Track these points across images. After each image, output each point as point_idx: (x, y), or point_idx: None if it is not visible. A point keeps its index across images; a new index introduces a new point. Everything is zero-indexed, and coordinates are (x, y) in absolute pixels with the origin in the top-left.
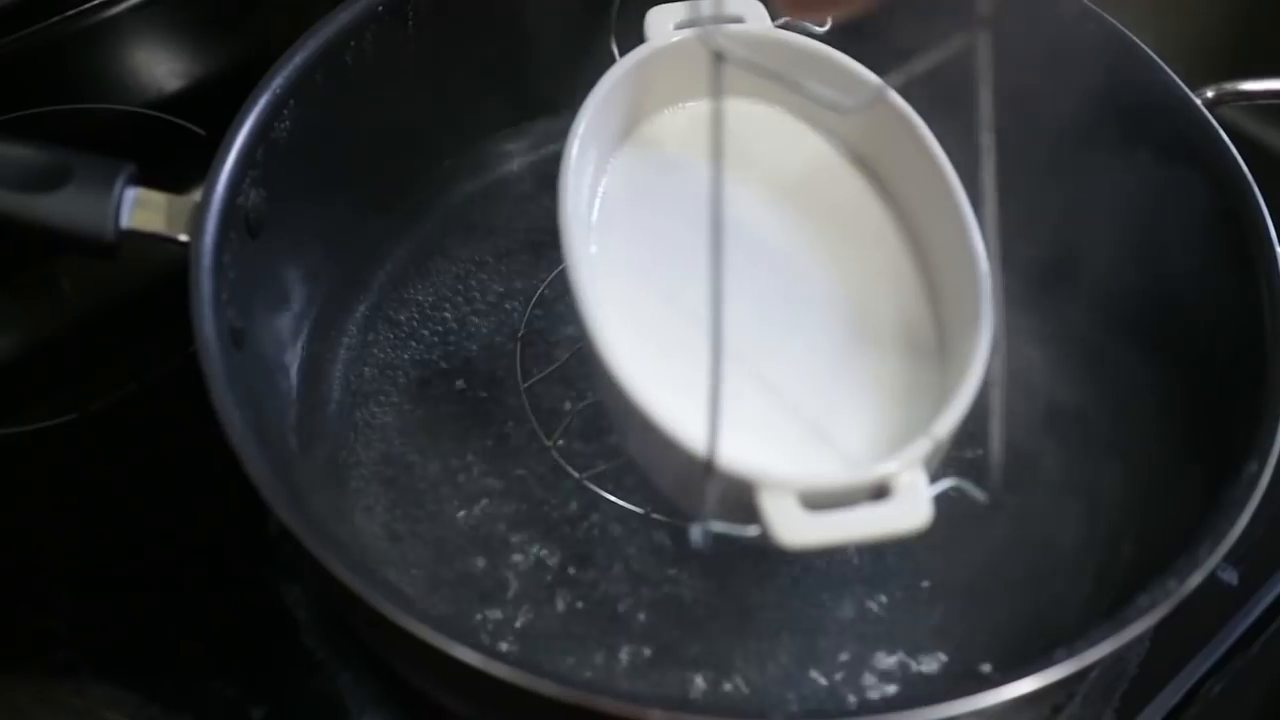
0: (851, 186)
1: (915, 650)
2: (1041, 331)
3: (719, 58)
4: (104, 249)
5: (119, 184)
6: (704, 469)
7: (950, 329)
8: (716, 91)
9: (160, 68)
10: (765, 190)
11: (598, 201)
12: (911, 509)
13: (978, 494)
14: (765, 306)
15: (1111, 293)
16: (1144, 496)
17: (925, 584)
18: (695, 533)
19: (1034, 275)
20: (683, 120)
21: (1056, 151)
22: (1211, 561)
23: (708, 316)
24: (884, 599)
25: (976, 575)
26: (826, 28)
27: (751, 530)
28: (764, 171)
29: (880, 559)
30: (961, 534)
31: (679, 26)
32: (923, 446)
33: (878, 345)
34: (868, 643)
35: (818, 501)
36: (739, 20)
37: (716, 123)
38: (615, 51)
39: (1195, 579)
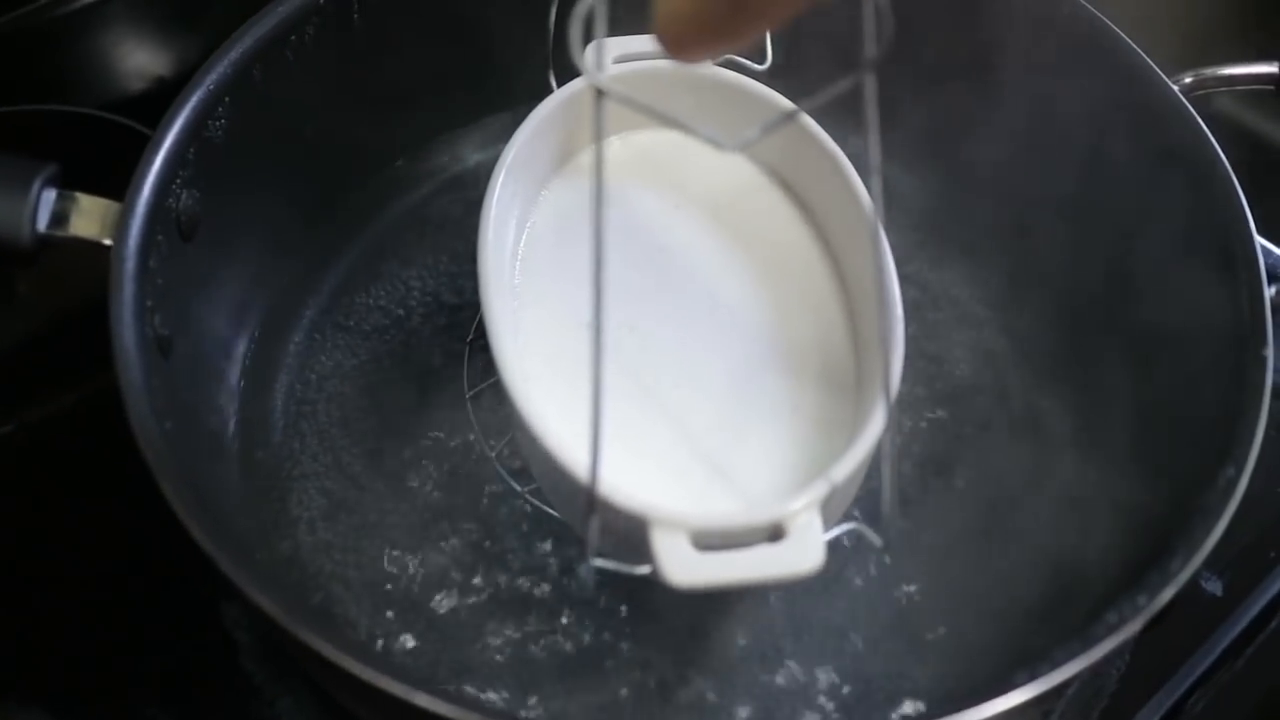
0: (779, 215)
1: (885, 664)
2: (1013, 331)
3: (600, 93)
4: (22, 254)
5: (36, 186)
6: (591, 502)
7: (866, 364)
8: (599, 130)
9: (119, 68)
10: (692, 218)
11: (525, 231)
12: (805, 551)
13: (873, 538)
14: (685, 337)
15: (1085, 290)
16: (1120, 505)
17: (898, 598)
18: (582, 570)
19: (1005, 272)
20: (617, 151)
21: (1028, 140)
22: (1184, 574)
23: (621, 348)
24: (861, 619)
25: (950, 590)
26: (767, 65)
27: (642, 569)
28: (692, 199)
29: (850, 577)
30: (933, 548)
31: (617, 60)
32: (819, 489)
33: (797, 376)
34: (836, 665)
35: (710, 541)
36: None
37: (598, 164)
38: (552, 81)
39: (1167, 594)
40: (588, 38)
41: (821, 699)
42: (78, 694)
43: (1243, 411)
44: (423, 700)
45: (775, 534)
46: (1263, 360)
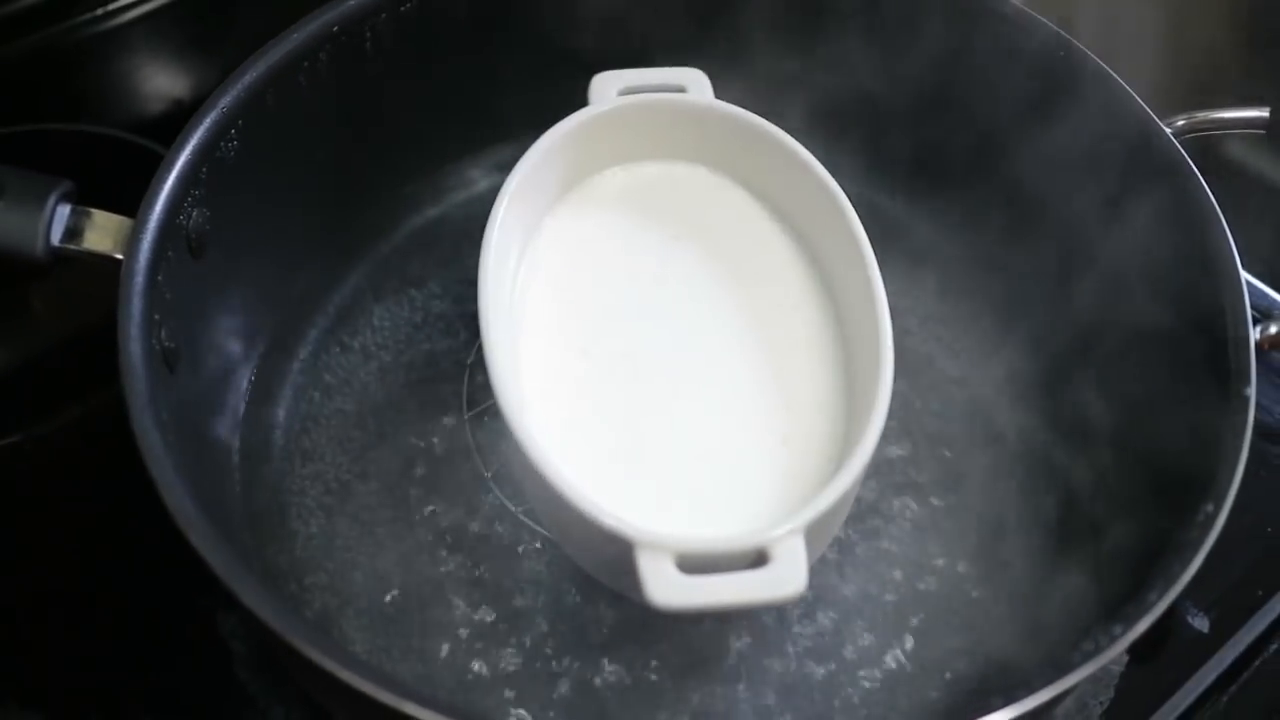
0: (777, 248)
1: (867, 694)
2: (995, 365)
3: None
4: (35, 266)
5: (51, 201)
6: (583, 524)
7: (856, 397)
8: None
9: (138, 90)
10: (692, 249)
11: (526, 258)
12: (788, 578)
13: None
14: (679, 365)
15: (1068, 324)
16: (1102, 538)
17: (867, 630)
18: None
19: (989, 307)
20: (621, 181)
21: (1023, 182)
22: (1160, 606)
23: (616, 375)
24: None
25: (927, 619)
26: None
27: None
28: (692, 230)
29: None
30: (910, 578)
31: (622, 93)
32: (803, 517)
33: (788, 407)
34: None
35: (695, 564)
36: (681, 89)
37: None
38: None
39: (1143, 624)
40: None
41: None
42: (74, 698)
43: (1222, 449)
44: (410, 708)
45: (759, 559)
46: (1245, 399)
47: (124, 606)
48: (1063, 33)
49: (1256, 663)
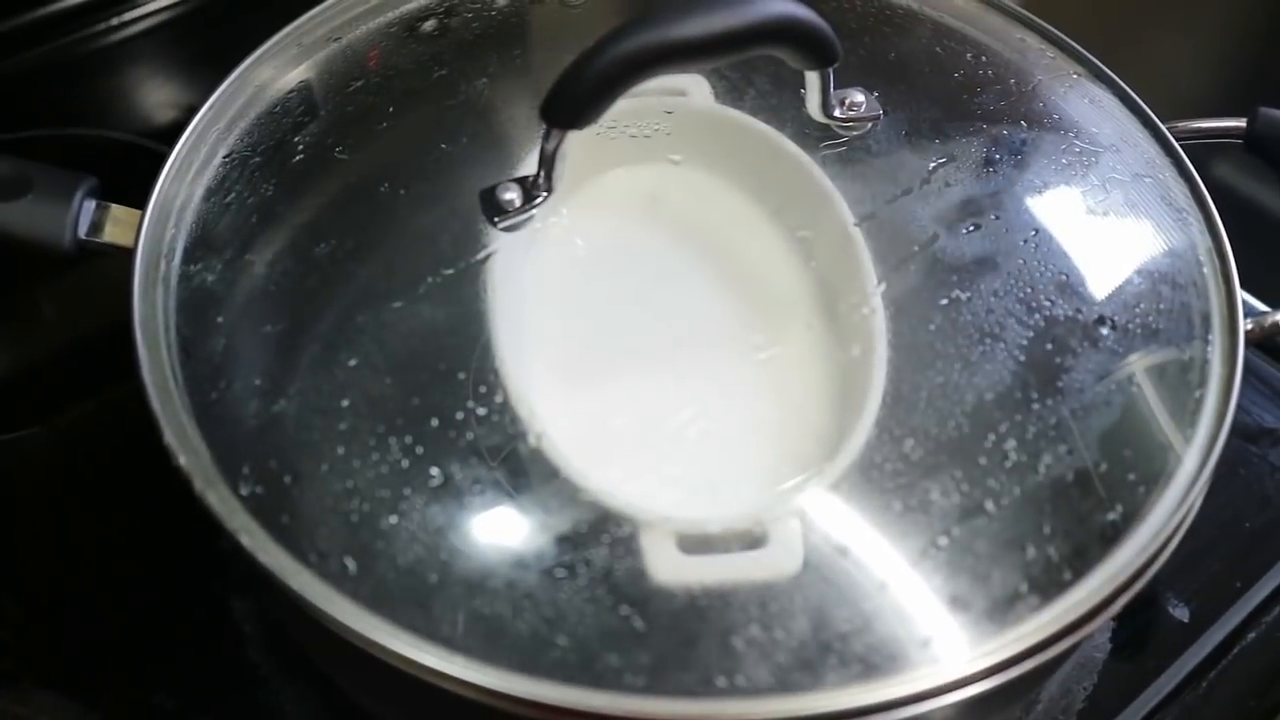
0: (776, 250)
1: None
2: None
3: None
4: (61, 258)
5: (78, 196)
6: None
7: (852, 390)
8: None
9: (153, 98)
10: (694, 250)
11: (531, 256)
12: (784, 556)
13: None
14: (683, 357)
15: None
16: None
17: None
18: None
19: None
20: (621, 181)
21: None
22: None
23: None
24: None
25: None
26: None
27: None
28: (695, 232)
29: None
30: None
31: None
32: (796, 500)
33: (787, 395)
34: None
35: (696, 543)
36: (681, 94)
37: None
38: None
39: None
40: None
41: None
42: (90, 679)
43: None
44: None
45: (758, 539)
46: None
47: (138, 591)
48: None
49: (1234, 651)
